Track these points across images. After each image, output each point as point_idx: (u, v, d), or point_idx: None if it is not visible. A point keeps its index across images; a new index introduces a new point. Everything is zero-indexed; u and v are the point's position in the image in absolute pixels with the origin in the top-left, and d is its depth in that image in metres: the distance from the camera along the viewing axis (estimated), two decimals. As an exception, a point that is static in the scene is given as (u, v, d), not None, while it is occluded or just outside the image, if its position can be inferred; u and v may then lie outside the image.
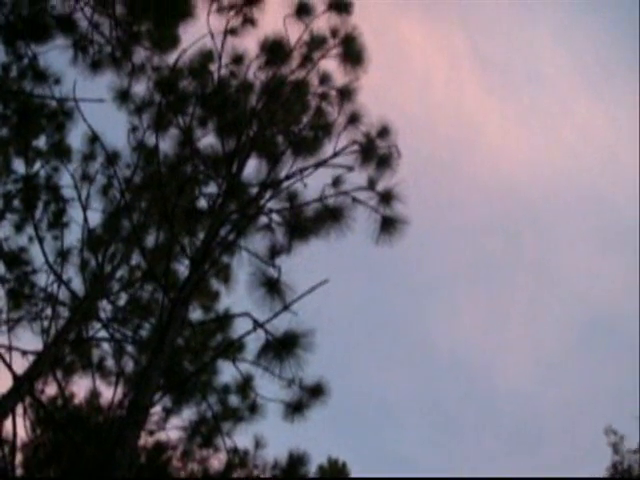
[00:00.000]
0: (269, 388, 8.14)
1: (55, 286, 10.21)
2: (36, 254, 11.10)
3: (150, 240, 9.76)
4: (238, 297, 8.97)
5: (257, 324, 7.14)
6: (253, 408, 9.13)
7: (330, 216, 7.35)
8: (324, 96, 8.05)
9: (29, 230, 11.14)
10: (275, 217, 7.73)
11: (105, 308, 10.52)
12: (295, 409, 7.87)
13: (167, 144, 8.12)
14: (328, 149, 7.96)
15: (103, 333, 10.28)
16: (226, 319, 8.77)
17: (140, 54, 9.81)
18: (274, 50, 7.84)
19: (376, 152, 7.61)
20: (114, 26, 9.48)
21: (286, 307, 6.92)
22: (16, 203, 11.19)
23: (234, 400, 9.38)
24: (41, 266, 10.82)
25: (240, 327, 8.78)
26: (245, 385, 9.01)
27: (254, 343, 7.27)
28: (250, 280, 7.65)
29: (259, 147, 7.64)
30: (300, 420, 7.93)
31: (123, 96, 9.52)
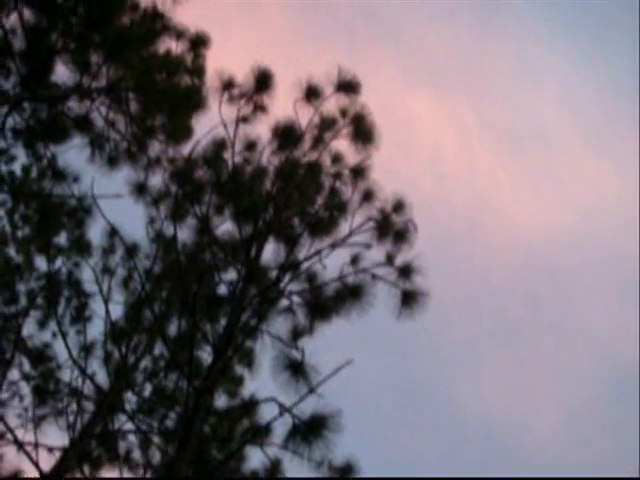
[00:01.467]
0: (298, 471, 8.00)
1: (80, 380, 10.19)
2: (60, 349, 11.15)
3: (172, 329, 9.79)
4: (263, 381, 8.89)
5: (283, 408, 7.07)
6: (283, 493, 8.94)
7: (350, 294, 7.36)
8: (337, 176, 8.18)
9: (52, 326, 11.21)
10: (296, 299, 7.76)
11: (130, 400, 10.47)
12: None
13: (185, 233, 8.23)
14: (344, 228, 8.05)
15: (129, 425, 10.22)
16: (252, 405, 8.68)
17: (155, 147, 10.12)
18: (286, 134, 8.02)
19: (392, 227, 7.68)
20: (129, 122, 9.80)
21: (311, 390, 6.87)
22: (39, 300, 11.30)
23: (263, 486, 9.21)
24: (65, 361, 10.85)
25: (266, 412, 8.68)
26: (274, 470, 8.86)
27: (281, 427, 7.20)
28: (274, 364, 7.63)
29: (276, 231, 7.74)
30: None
31: (140, 189, 9.71)
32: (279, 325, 7.83)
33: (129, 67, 8.87)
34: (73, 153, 9.80)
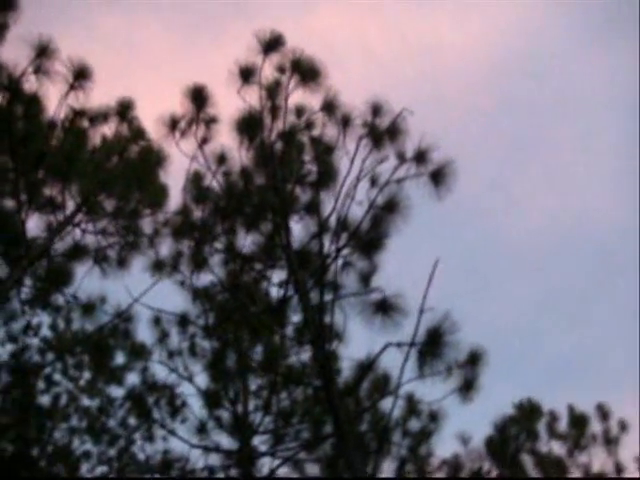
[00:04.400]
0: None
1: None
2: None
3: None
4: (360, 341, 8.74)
5: (403, 344, 6.98)
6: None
7: (389, 211, 7.31)
8: (309, 126, 8.12)
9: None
10: (345, 252, 7.68)
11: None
12: None
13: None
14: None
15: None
16: (373, 361, 8.49)
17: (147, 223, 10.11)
18: (248, 123, 7.91)
19: (384, 130, 7.55)
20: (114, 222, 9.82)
21: (421, 311, 6.72)
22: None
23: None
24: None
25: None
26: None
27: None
28: (363, 318, 7.58)
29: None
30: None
31: (158, 265, 9.70)
32: (348, 283, 7.80)
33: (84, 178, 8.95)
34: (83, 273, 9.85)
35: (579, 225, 27.67)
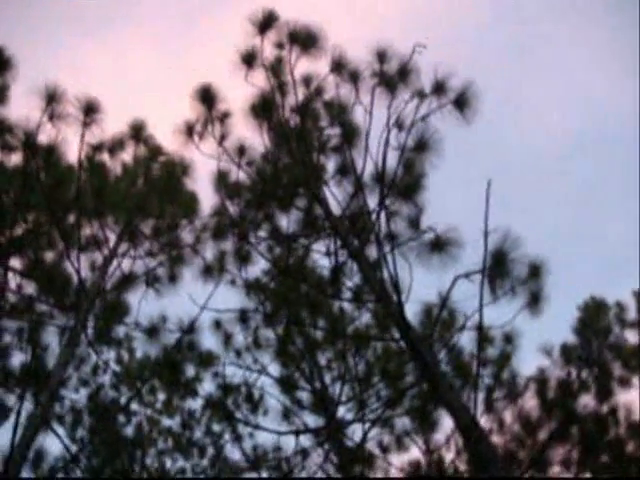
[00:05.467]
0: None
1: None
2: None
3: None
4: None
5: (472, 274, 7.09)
6: None
7: (421, 150, 7.38)
8: (319, 92, 8.15)
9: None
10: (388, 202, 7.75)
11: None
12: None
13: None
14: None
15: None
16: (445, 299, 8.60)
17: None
18: (262, 105, 7.91)
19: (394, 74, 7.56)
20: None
21: (486, 234, 6.74)
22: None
23: None
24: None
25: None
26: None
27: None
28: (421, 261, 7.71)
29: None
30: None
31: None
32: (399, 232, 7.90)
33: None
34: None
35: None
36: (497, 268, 7.12)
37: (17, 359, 9.70)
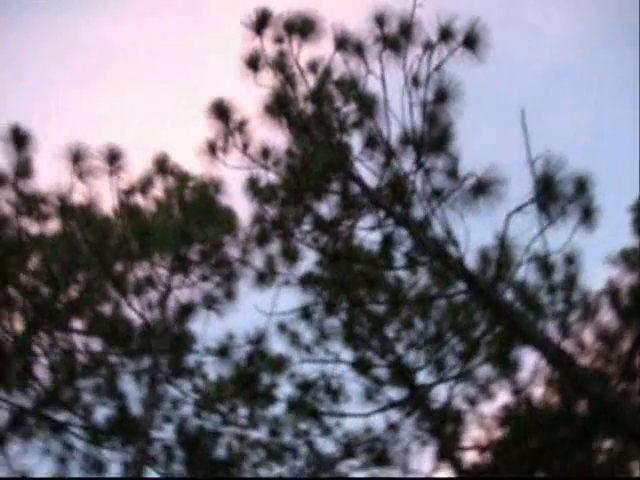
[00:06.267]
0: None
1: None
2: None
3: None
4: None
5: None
6: None
7: (442, 101, 7.37)
8: (327, 74, 8.12)
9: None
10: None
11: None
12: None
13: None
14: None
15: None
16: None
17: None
18: (277, 103, 7.91)
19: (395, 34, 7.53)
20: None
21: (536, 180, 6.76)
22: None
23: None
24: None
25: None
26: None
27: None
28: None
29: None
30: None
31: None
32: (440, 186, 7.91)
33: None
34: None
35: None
36: (547, 192, 7.12)
37: (101, 414, 9.80)
